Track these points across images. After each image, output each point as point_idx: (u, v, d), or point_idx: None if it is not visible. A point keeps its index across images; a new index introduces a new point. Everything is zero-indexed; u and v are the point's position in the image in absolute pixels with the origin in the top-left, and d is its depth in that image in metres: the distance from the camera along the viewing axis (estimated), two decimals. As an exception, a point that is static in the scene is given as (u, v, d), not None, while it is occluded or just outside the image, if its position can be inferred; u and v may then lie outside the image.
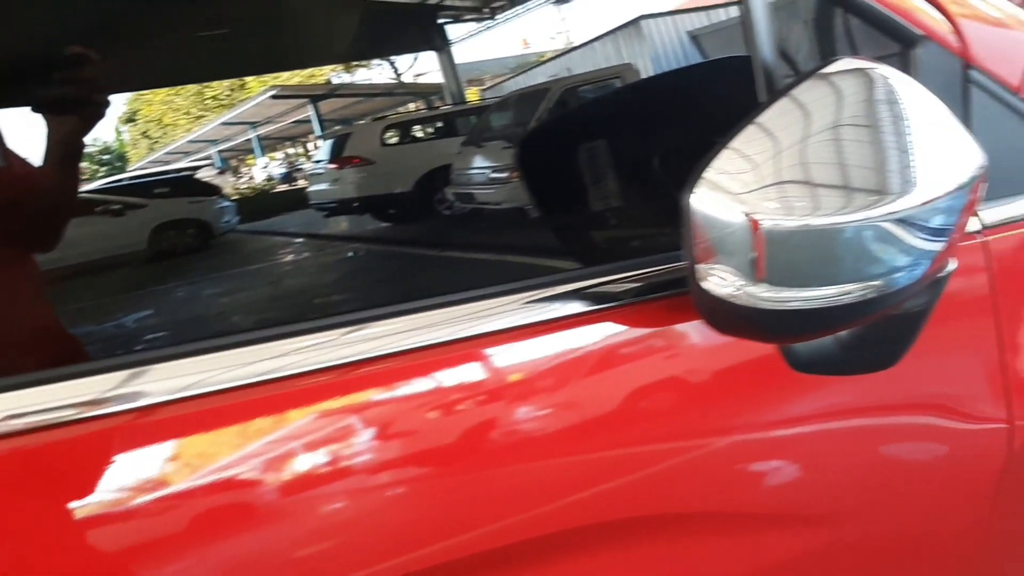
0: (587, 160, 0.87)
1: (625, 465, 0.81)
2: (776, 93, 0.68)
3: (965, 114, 0.89)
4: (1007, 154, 0.93)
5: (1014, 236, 0.92)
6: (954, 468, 0.96)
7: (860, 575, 0.95)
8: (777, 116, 0.66)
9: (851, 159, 0.66)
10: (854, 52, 0.93)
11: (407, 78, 1.09)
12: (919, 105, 0.68)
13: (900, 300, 0.69)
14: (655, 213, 0.92)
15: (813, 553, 0.90)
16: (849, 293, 0.66)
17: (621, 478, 0.81)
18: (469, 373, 0.78)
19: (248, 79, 1.05)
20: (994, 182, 0.92)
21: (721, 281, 0.65)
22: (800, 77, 0.69)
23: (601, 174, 0.87)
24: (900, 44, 0.87)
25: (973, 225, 0.91)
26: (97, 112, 0.98)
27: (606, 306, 0.80)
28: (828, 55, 0.88)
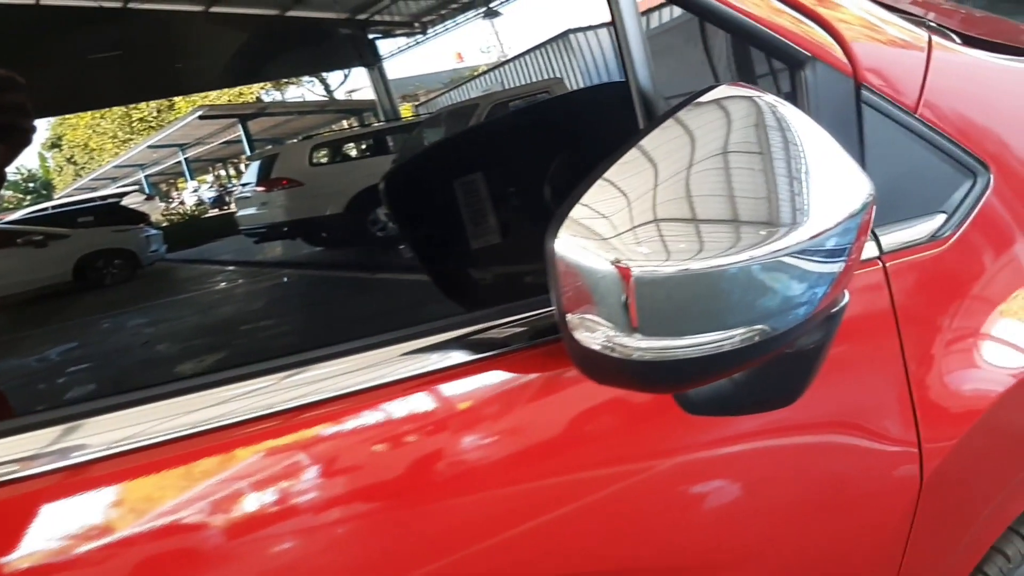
0: (463, 195, 0.82)
1: (522, 522, 0.75)
2: (651, 123, 0.63)
3: (859, 136, 0.86)
4: (905, 175, 0.90)
5: (913, 260, 0.89)
6: (869, 492, 0.93)
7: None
8: (651, 148, 0.62)
9: (732, 192, 0.62)
10: (741, 76, 0.89)
11: (340, 95, 1.03)
12: (803, 133, 0.65)
13: (787, 342, 0.65)
14: (537, 251, 0.87)
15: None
16: (732, 339, 0.61)
17: (518, 533, 0.75)
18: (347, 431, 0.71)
19: (176, 99, 0.99)
20: (892, 204, 0.89)
21: (592, 332, 0.60)
22: (676, 106, 0.64)
23: (479, 210, 0.82)
24: (788, 66, 0.83)
25: (872, 251, 0.88)
26: (23, 139, 0.90)
27: (492, 354, 0.75)
28: (716, 79, 0.84)
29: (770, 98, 0.65)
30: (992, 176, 0.95)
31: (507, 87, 1.03)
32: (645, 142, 0.62)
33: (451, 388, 0.74)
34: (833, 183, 0.65)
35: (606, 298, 0.59)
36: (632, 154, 0.61)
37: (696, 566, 0.82)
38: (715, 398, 0.75)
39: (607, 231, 0.59)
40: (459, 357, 0.75)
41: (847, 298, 0.73)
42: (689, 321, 0.60)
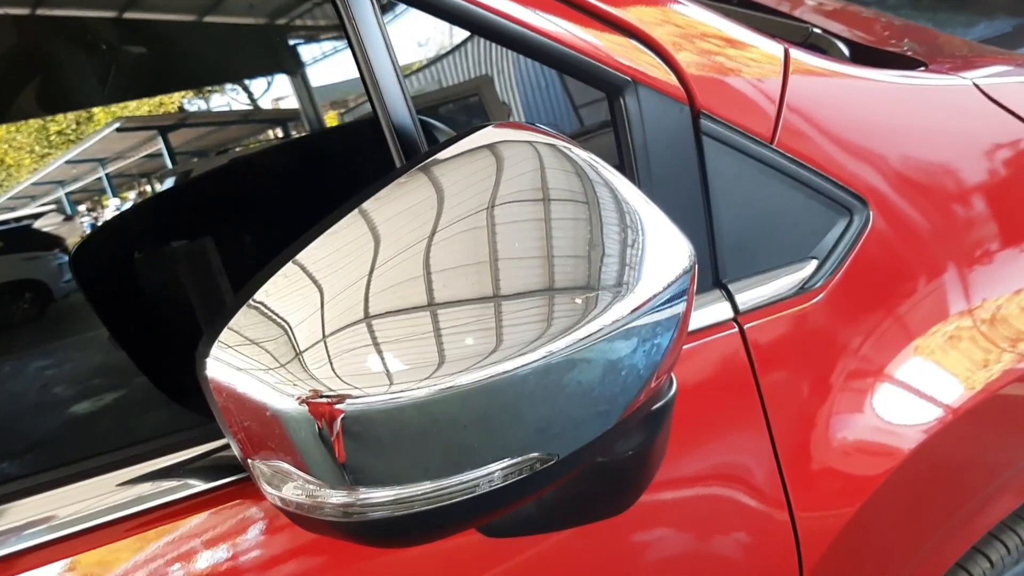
0: (188, 267, 0.65)
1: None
2: (379, 182, 0.47)
3: (701, 174, 0.71)
4: (764, 219, 0.76)
5: (778, 318, 0.75)
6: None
7: None
8: (369, 218, 0.45)
9: (490, 274, 0.46)
10: (547, 110, 0.74)
11: (264, 104, 0.89)
12: (593, 180, 0.49)
13: (580, 464, 0.50)
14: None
15: None
16: (489, 475, 0.45)
17: None
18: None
19: (95, 111, 0.85)
20: (750, 253, 0.75)
21: (288, 483, 0.44)
22: (424, 154, 0.48)
23: (211, 284, 0.65)
24: (605, 92, 0.68)
25: (725, 312, 0.73)
26: None
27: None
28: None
29: (549, 139, 0.50)
30: (871, 212, 0.81)
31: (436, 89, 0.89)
32: (366, 207, 0.46)
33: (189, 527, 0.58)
34: (642, 246, 0.50)
35: (298, 443, 0.42)
36: (347, 223, 0.45)
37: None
38: (515, 519, 0.60)
39: (288, 349, 0.42)
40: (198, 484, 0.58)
41: (674, 390, 0.58)
42: (423, 459, 0.44)
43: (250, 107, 0.87)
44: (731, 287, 0.74)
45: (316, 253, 0.44)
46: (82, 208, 0.89)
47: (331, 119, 0.83)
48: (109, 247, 0.72)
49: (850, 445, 0.81)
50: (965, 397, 0.87)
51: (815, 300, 0.77)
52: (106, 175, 0.86)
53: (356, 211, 0.45)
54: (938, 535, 0.96)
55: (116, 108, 0.87)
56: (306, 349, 0.42)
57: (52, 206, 0.88)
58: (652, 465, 0.62)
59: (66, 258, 0.89)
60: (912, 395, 0.85)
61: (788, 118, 0.76)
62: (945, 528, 0.97)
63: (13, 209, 0.89)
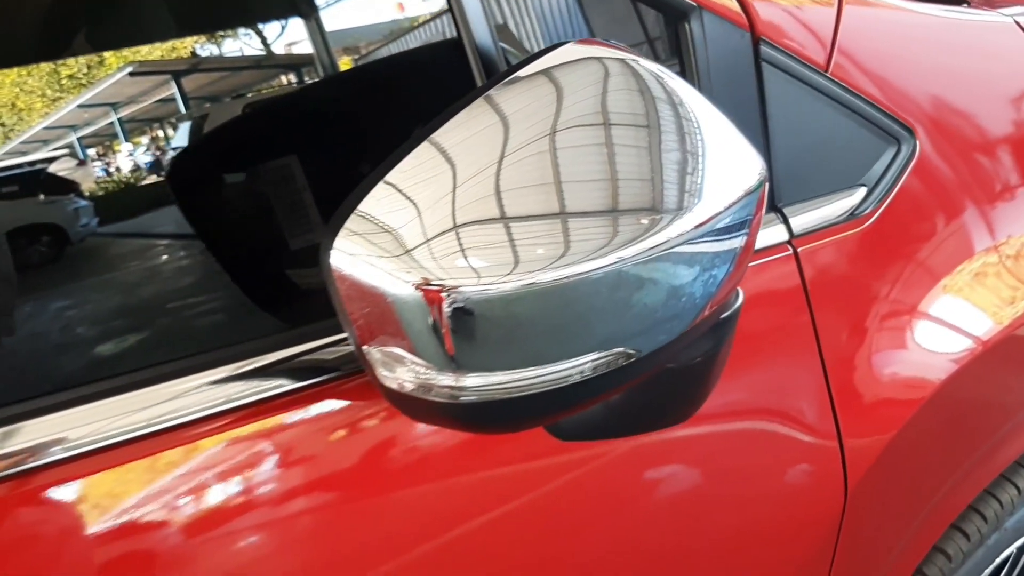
0: (275, 183, 0.67)
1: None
2: (472, 94, 0.49)
3: (760, 100, 0.73)
4: (817, 145, 0.78)
5: (829, 242, 0.78)
6: (790, 495, 0.82)
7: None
8: (470, 126, 0.48)
9: (578, 178, 0.48)
10: (619, 29, 0.75)
11: (277, 48, 0.90)
12: (674, 98, 0.52)
13: (659, 362, 0.53)
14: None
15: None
16: (581, 367, 0.48)
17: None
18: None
19: (107, 55, 0.86)
20: (803, 179, 0.77)
21: (398, 369, 0.47)
22: (508, 70, 0.50)
23: (296, 200, 0.67)
24: (670, 18, 0.70)
25: (781, 234, 0.76)
26: None
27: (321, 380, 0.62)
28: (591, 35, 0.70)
29: (631, 56, 0.52)
30: (918, 142, 0.83)
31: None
32: (462, 116, 0.48)
33: (269, 426, 0.61)
34: (713, 160, 0.53)
35: (412, 327, 0.46)
36: (446, 131, 0.48)
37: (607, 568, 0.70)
38: (586, 423, 0.63)
39: (408, 238, 0.45)
40: (286, 384, 0.62)
41: (740, 300, 0.61)
42: (523, 349, 0.47)
43: (318, 38, 0.88)
44: (786, 211, 0.76)
45: (420, 157, 0.47)
46: (100, 151, 0.90)
47: (412, 42, 0.85)
48: (202, 164, 0.74)
49: (892, 370, 0.84)
50: (994, 331, 0.90)
51: (864, 226, 0.80)
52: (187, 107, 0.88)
53: (450, 122, 0.47)
54: (964, 467, 1.00)
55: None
56: (420, 243, 0.45)
57: (65, 150, 0.90)
58: (714, 375, 0.65)
59: (82, 202, 0.91)
60: (947, 326, 0.88)
61: (842, 47, 0.78)
62: (970, 461, 1.00)
63: (34, 151, 0.91)
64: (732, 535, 0.79)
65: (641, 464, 0.72)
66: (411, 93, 0.76)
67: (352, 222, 0.44)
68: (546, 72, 0.50)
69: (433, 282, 0.44)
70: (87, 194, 0.94)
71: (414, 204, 0.45)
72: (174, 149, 0.89)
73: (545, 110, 0.49)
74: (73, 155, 0.91)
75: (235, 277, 0.71)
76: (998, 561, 1.09)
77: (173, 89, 0.90)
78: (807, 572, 0.85)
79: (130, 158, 0.97)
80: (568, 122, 0.47)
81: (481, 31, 0.58)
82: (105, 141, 0.94)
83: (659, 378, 0.59)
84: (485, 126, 0.48)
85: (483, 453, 0.65)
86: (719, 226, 0.52)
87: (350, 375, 0.63)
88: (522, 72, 0.49)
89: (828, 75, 0.77)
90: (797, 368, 0.78)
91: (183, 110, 0.93)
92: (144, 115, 0.94)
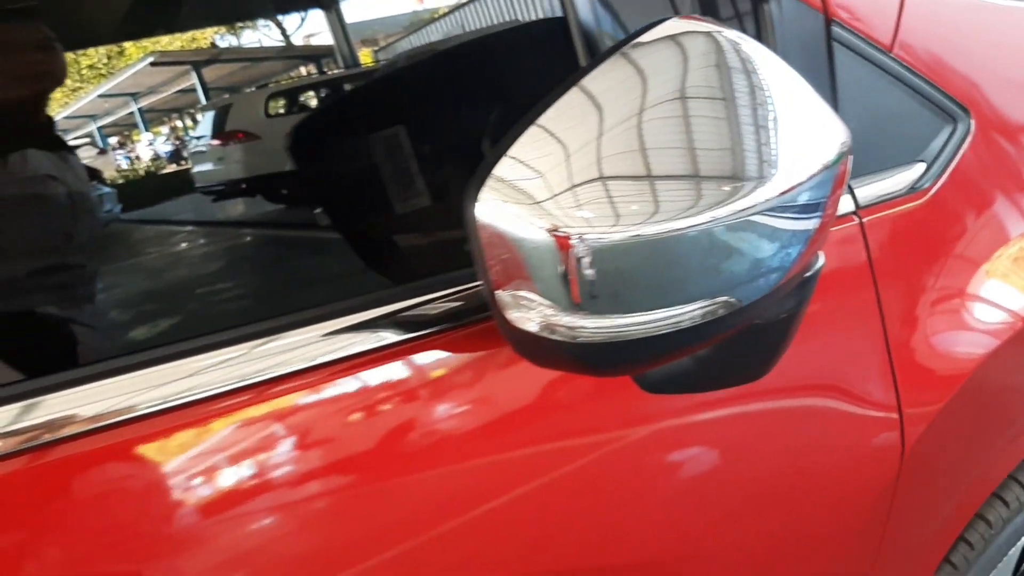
0: (383, 151, 0.72)
1: (473, 507, 0.67)
2: (591, 63, 0.54)
3: (831, 77, 0.77)
4: (880, 122, 0.82)
5: (891, 214, 0.82)
6: (848, 460, 0.86)
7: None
8: (591, 93, 0.52)
9: (688, 143, 0.53)
10: (698, 10, 0.79)
11: (297, 40, 0.93)
12: (770, 74, 0.56)
13: (756, 313, 0.57)
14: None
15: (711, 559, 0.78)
16: (692, 313, 0.52)
17: (470, 519, 0.67)
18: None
19: (127, 45, 0.89)
20: (867, 153, 0.81)
21: (527, 311, 0.51)
22: (619, 43, 0.55)
23: (403, 167, 0.72)
24: None
25: (847, 205, 0.80)
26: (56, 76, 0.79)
27: (424, 333, 0.66)
28: (675, 12, 0.74)
29: (731, 34, 0.56)
30: (973, 122, 0.87)
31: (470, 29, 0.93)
32: (583, 85, 0.52)
33: (382, 372, 0.65)
34: (805, 131, 0.57)
35: (542, 272, 0.50)
36: (568, 100, 0.52)
37: (670, 540, 0.75)
38: (675, 376, 0.67)
39: (540, 192, 0.49)
40: (390, 337, 0.66)
41: (822, 260, 0.65)
42: (641, 295, 0.51)
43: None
44: (851, 183, 0.80)
45: (551, 120, 0.51)
46: (117, 141, 0.93)
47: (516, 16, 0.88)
48: (320, 133, 0.79)
49: (947, 340, 0.88)
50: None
51: (923, 200, 0.84)
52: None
53: (576, 86, 0.52)
54: (1006, 437, 1.04)
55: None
56: (553, 195, 0.49)
57: (86, 139, 0.92)
58: (792, 333, 0.69)
59: (106, 188, 0.94)
60: (996, 301, 0.92)
61: (905, 27, 0.82)
62: (1011, 432, 1.04)
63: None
64: (796, 502, 0.83)
65: (710, 435, 0.76)
66: (511, 70, 0.80)
67: (494, 175, 0.49)
68: (658, 42, 0.54)
69: (562, 229, 0.49)
70: (109, 181, 0.98)
71: (546, 163, 0.49)
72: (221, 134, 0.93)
73: (659, 78, 0.53)
74: (93, 144, 0.94)
75: (346, 238, 0.76)
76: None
77: (194, 79, 0.93)
78: (863, 536, 0.89)
79: (150, 147, 1.00)
80: (694, 88, 0.51)
81: (584, 8, 0.62)
82: (125, 131, 0.96)
83: (745, 334, 0.63)
84: (607, 95, 0.52)
85: (569, 408, 0.70)
86: (812, 185, 0.56)
87: (450, 328, 0.67)
88: (644, 38, 0.53)
89: (892, 55, 0.81)
90: (860, 337, 0.82)
91: (203, 100, 0.96)
92: (163, 105, 0.96)
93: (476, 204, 0.49)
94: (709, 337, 0.56)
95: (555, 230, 0.49)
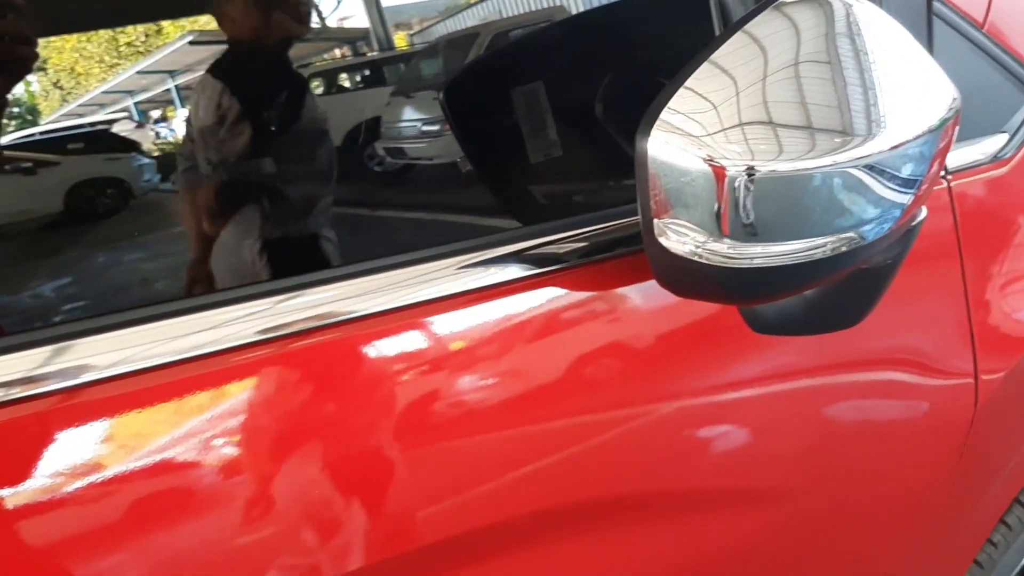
0: (523, 106, 0.78)
1: (572, 442, 0.73)
2: (732, 27, 0.59)
3: (929, 49, 0.82)
4: (969, 92, 0.87)
5: (978, 180, 0.87)
6: (921, 428, 0.92)
7: (822, 542, 0.90)
8: (733, 52, 0.58)
9: (815, 98, 0.58)
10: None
11: (331, 22, 0.98)
12: (887, 37, 0.61)
13: (872, 253, 0.63)
14: (599, 165, 0.83)
15: (772, 525, 0.84)
16: (821, 247, 0.58)
17: (567, 455, 0.73)
18: (403, 344, 0.68)
19: (164, 24, 0.93)
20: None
21: (681, 237, 0.57)
22: (756, 8, 0.60)
23: (539, 121, 0.78)
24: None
25: (938, 169, 0.85)
26: (23, 65, 0.84)
27: (549, 269, 0.72)
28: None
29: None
30: (1053, 96, 0.92)
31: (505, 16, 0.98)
32: (722, 50, 0.58)
33: (507, 304, 0.71)
34: (917, 91, 0.62)
35: (698, 200, 0.55)
36: (711, 61, 0.58)
37: (762, 488, 0.80)
38: (784, 316, 0.73)
39: (698, 131, 0.55)
40: (516, 272, 0.72)
41: (924, 212, 0.70)
42: (782, 227, 0.57)
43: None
44: (941, 148, 0.85)
45: (700, 74, 0.57)
46: (155, 115, 0.97)
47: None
48: (470, 88, 0.85)
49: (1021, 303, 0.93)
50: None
51: (1006, 168, 0.89)
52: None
53: (736, 35, 0.57)
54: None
55: None
56: (710, 133, 0.55)
57: (123, 113, 0.96)
58: (890, 280, 0.74)
59: (145, 160, 0.98)
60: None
61: (996, 7, 0.87)
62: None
63: (91, 114, 0.97)
64: (880, 448, 0.89)
65: (803, 399, 0.82)
66: (643, 33, 0.86)
67: (662, 118, 0.54)
68: (791, 6, 0.60)
69: (719, 160, 0.55)
70: (149, 153, 1.02)
71: (701, 106, 0.55)
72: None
73: (807, 34, 0.59)
74: (131, 118, 0.97)
75: (488, 183, 0.82)
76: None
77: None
78: (935, 479, 0.94)
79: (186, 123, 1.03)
80: (844, 47, 0.57)
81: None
82: (161, 107, 1.00)
83: (852, 278, 0.69)
84: (743, 55, 0.58)
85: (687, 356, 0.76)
86: (927, 140, 0.61)
87: (575, 266, 0.73)
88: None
89: (983, 31, 0.86)
90: (943, 293, 0.87)
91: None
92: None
93: (647, 139, 0.55)
94: (834, 271, 0.61)
95: (711, 160, 0.55)
